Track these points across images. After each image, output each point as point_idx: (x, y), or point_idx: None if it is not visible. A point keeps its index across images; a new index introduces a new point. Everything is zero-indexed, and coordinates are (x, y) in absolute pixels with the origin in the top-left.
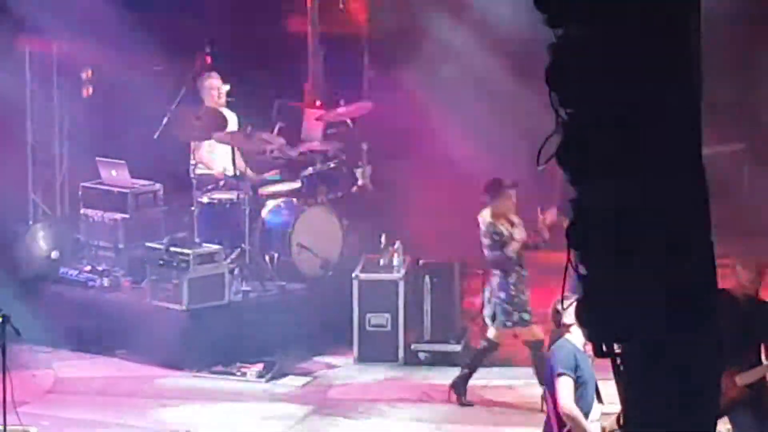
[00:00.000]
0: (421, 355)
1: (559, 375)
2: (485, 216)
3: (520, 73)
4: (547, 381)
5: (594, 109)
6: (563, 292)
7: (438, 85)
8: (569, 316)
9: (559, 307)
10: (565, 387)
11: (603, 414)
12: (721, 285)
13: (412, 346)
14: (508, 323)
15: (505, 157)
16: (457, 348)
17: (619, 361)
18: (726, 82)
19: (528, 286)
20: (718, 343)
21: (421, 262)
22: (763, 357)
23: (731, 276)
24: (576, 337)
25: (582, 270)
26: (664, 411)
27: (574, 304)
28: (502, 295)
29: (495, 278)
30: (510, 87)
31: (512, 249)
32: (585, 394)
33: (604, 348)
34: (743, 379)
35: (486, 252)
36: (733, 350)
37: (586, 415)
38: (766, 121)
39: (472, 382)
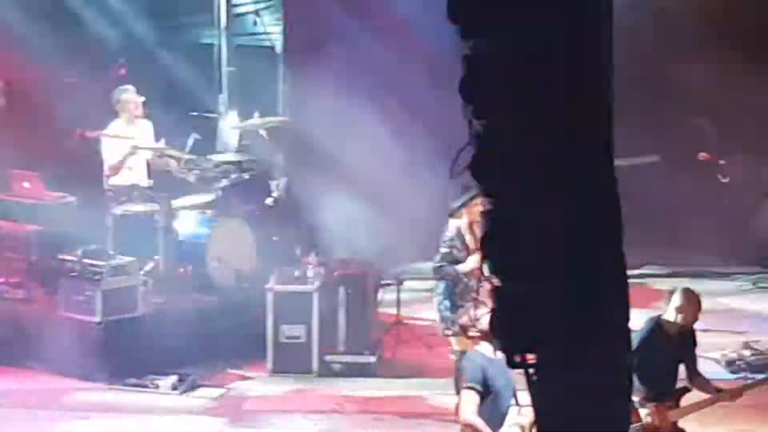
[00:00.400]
0: (336, 367)
1: (464, 388)
2: (461, 223)
3: (438, 85)
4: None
5: (507, 121)
6: (474, 302)
7: (354, 96)
8: (479, 327)
9: (465, 319)
10: (466, 400)
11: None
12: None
13: (327, 358)
14: (447, 331)
15: (424, 168)
16: (372, 359)
17: (531, 371)
18: (639, 94)
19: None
20: (630, 356)
21: (335, 273)
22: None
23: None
24: (486, 347)
25: (495, 281)
26: (576, 422)
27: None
28: (447, 303)
29: (441, 285)
30: (429, 98)
31: (465, 268)
32: (498, 404)
33: (517, 359)
34: (675, 415)
35: (436, 258)
36: (666, 382)
37: (501, 423)
38: (679, 132)
39: (388, 392)
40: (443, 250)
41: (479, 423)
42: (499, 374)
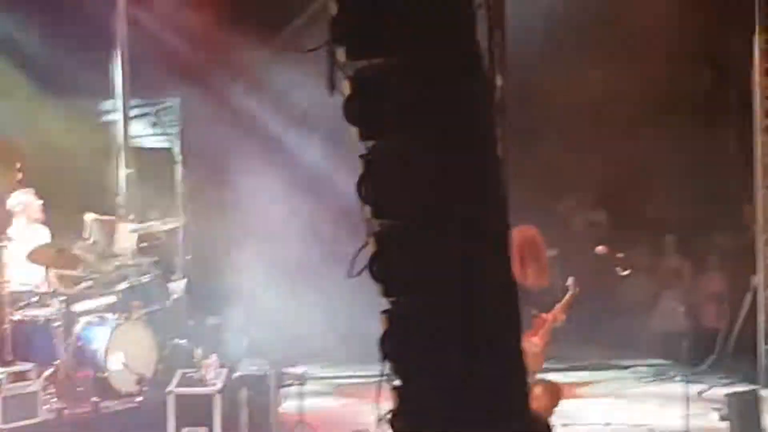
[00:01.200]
0: None
1: None
2: None
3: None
4: None
5: (406, 222)
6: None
7: (254, 193)
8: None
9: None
10: None
11: None
12: None
13: None
14: None
15: (323, 269)
16: None
17: None
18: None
19: None
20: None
21: (236, 374)
22: None
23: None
24: None
25: (396, 381)
26: None
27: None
28: None
29: None
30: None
31: None
32: None
33: None
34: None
35: None
36: None
37: None
38: (576, 226)
39: None
40: None
41: None
42: None
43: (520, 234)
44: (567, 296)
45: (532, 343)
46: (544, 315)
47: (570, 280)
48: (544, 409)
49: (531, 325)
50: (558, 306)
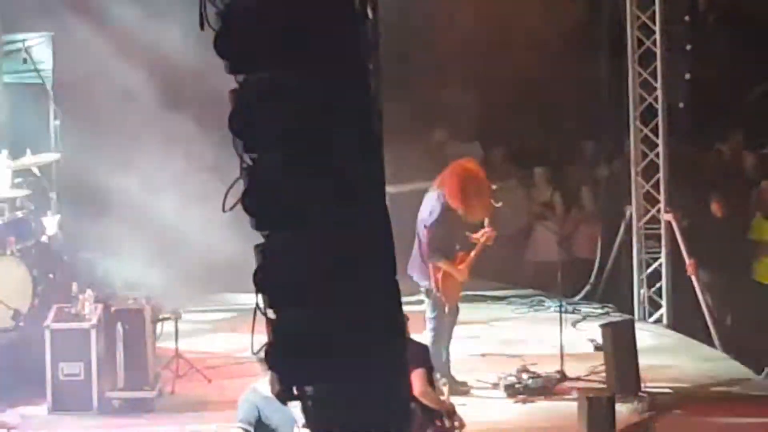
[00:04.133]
0: (116, 403)
1: (237, 427)
2: None
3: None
4: None
5: (277, 156)
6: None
7: (128, 132)
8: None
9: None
10: None
11: None
12: None
13: (107, 394)
14: None
15: (201, 203)
16: (151, 394)
17: (308, 404)
18: (409, 120)
19: None
20: (405, 389)
21: (112, 309)
22: None
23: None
24: (263, 385)
25: (270, 314)
26: None
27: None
28: None
29: None
30: (204, 133)
31: None
32: None
33: (294, 392)
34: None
35: None
36: None
37: None
38: (449, 158)
39: (168, 428)
40: None
41: None
42: (276, 410)
43: (461, 168)
44: (485, 227)
45: (457, 270)
46: (475, 236)
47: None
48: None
49: (455, 254)
50: (486, 228)
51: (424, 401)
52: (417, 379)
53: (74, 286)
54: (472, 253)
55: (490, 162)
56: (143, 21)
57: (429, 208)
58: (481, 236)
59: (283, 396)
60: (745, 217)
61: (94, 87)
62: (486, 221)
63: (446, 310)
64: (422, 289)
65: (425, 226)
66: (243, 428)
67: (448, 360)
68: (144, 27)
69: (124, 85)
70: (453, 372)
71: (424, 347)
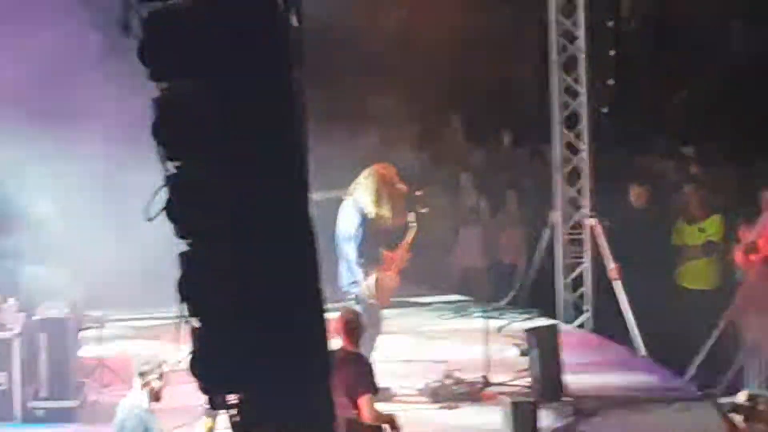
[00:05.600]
0: (39, 413)
1: None
2: None
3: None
4: None
5: (199, 163)
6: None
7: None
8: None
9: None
10: None
11: None
12: None
13: (29, 404)
14: None
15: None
16: (74, 404)
17: (232, 413)
18: (334, 128)
19: None
20: (330, 397)
21: (35, 318)
22: None
23: None
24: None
25: (194, 323)
26: None
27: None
28: None
29: None
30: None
31: None
32: None
33: (218, 400)
34: None
35: None
36: None
37: None
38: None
39: None
40: None
41: None
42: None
43: (376, 173)
44: (410, 232)
45: (388, 277)
46: (392, 253)
47: (410, 216)
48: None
49: (384, 259)
50: (404, 242)
51: (375, 424)
52: (365, 405)
53: None
54: (396, 264)
55: (416, 167)
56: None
57: (348, 217)
58: (399, 252)
59: (209, 404)
60: (668, 222)
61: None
62: (410, 216)
63: (380, 316)
64: (352, 295)
65: (348, 237)
66: None
67: None
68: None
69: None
70: (378, 378)
71: (370, 367)
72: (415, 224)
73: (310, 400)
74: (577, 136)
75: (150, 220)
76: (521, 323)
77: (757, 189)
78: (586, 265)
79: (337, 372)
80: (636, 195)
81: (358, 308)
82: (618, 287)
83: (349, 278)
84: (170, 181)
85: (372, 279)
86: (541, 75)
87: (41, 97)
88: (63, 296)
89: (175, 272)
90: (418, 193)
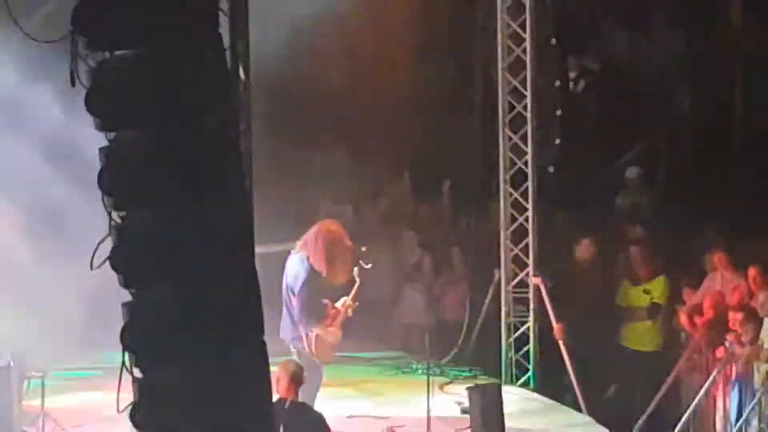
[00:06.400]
0: None
1: None
2: None
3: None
4: None
5: (146, 214)
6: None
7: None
8: None
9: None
10: None
11: None
12: None
13: None
14: None
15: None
16: None
17: None
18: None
19: None
20: None
21: None
22: None
23: None
24: None
25: (136, 373)
26: None
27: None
28: None
29: None
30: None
31: None
32: None
33: None
34: None
35: None
36: None
37: None
38: (318, 219)
39: None
40: None
41: None
42: None
43: (325, 230)
44: (355, 287)
45: (330, 333)
46: (337, 305)
47: (355, 270)
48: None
49: (327, 315)
50: (348, 298)
51: None
52: None
53: None
54: (338, 319)
55: (360, 223)
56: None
57: (294, 272)
58: (342, 308)
59: None
60: (612, 281)
61: None
62: (355, 270)
63: (322, 371)
64: (294, 350)
65: (293, 292)
66: None
67: None
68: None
69: None
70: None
71: (321, 416)
72: (359, 280)
73: None
74: (523, 194)
75: (94, 269)
76: (464, 381)
77: (702, 252)
78: (530, 324)
79: (288, 425)
80: (583, 248)
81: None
82: (561, 347)
83: (292, 332)
84: (116, 230)
85: (313, 335)
86: (488, 131)
87: None
88: (5, 345)
89: (119, 321)
90: (363, 249)
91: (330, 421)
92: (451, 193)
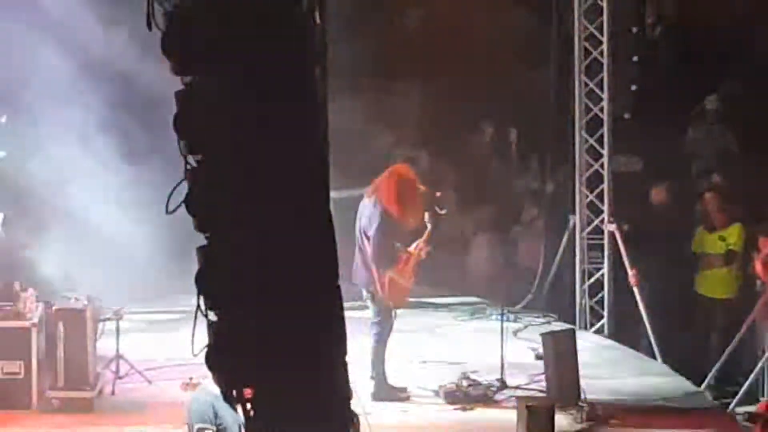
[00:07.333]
0: (55, 402)
1: (198, 429)
2: None
3: (154, 125)
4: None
5: (221, 157)
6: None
7: (70, 134)
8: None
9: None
10: None
11: None
12: None
13: (46, 393)
14: None
15: (142, 207)
16: (91, 394)
17: (249, 407)
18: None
19: None
20: (346, 393)
21: (54, 308)
22: None
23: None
24: (212, 384)
25: (211, 316)
26: None
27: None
28: None
29: None
30: (144, 137)
31: None
32: None
33: (234, 393)
34: None
35: None
36: None
37: None
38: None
39: (107, 428)
40: None
41: None
42: (226, 408)
43: (397, 173)
44: (427, 231)
45: (403, 276)
46: (410, 249)
47: (426, 216)
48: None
49: (400, 259)
50: (420, 240)
51: None
52: None
53: (16, 285)
54: (411, 263)
55: (434, 170)
56: (80, 19)
57: (368, 215)
58: (415, 250)
59: (224, 398)
60: (688, 228)
61: (33, 86)
62: (427, 228)
63: (393, 315)
64: (367, 294)
65: (367, 235)
66: (203, 427)
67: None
68: (79, 26)
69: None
70: (394, 378)
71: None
72: (430, 225)
73: (326, 396)
74: (599, 141)
75: (169, 213)
76: (538, 327)
77: None
78: (605, 271)
79: None
80: (656, 193)
81: (371, 305)
82: (637, 293)
83: (366, 276)
84: (191, 174)
85: (386, 278)
86: (564, 80)
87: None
88: (82, 287)
89: (194, 265)
90: (437, 194)
91: (404, 366)
92: (522, 140)
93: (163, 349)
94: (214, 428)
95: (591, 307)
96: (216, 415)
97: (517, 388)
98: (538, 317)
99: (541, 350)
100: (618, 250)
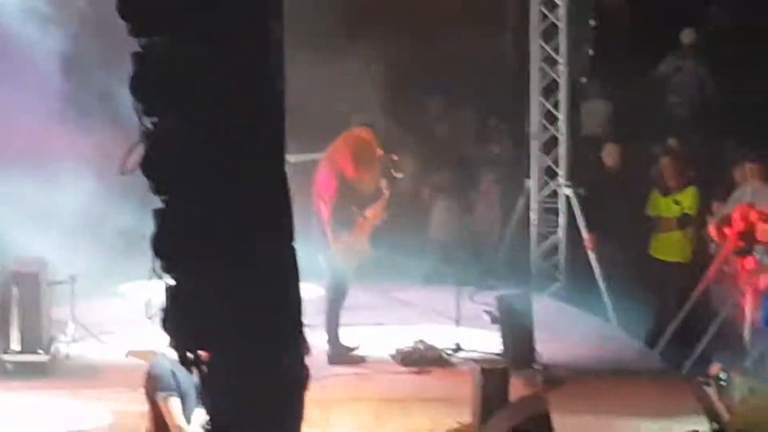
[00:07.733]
0: (9, 366)
1: (163, 397)
2: None
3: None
4: (151, 399)
5: (177, 119)
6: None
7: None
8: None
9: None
10: (171, 407)
11: None
12: None
13: (0, 357)
14: None
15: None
16: (45, 358)
17: (203, 369)
18: (311, 92)
19: None
20: (302, 358)
21: (8, 271)
22: None
23: None
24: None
25: (166, 279)
26: (243, 422)
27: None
28: None
29: None
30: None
31: None
32: (187, 404)
33: (190, 356)
34: None
35: None
36: None
37: (189, 423)
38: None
39: (60, 391)
40: None
41: (190, 429)
42: (185, 372)
43: (353, 137)
44: (383, 196)
45: (360, 239)
46: (366, 213)
47: (384, 183)
48: None
49: (355, 222)
50: (376, 204)
51: None
52: None
53: None
54: (366, 227)
55: (392, 134)
56: None
57: (325, 177)
58: (371, 213)
59: (180, 361)
60: (642, 191)
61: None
62: (383, 193)
63: (347, 278)
64: (322, 257)
65: (323, 198)
66: (174, 395)
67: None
68: None
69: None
70: (348, 341)
71: None
72: (387, 191)
73: (282, 358)
74: (555, 105)
75: (123, 174)
76: (493, 291)
77: (731, 163)
78: (561, 234)
79: None
80: (609, 153)
81: (326, 269)
82: (592, 257)
83: (321, 240)
84: (147, 136)
85: (342, 242)
86: (520, 44)
87: None
88: (35, 251)
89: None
90: (394, 158)
91: (359, 329)
92: (480, 105)
93: (117, 312)
94: (177, 394)
95: (546, 270)
96: (177, 381)
97: (472, 351)
98: (494, 281)
99: (496, 313)
100: (573, 213)
